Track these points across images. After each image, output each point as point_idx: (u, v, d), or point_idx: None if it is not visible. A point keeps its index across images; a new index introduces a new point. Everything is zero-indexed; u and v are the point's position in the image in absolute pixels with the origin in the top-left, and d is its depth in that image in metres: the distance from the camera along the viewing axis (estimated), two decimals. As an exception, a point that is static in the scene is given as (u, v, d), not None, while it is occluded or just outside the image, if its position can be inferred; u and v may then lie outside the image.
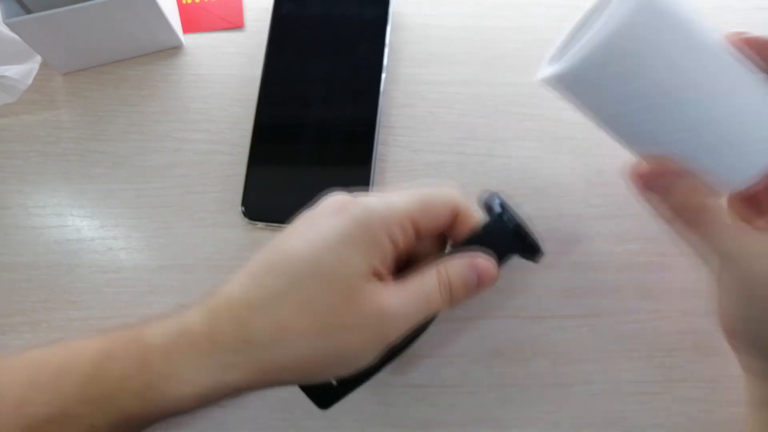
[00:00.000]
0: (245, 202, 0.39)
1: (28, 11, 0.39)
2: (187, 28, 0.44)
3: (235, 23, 0.44)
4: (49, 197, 0.40)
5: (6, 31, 0.40)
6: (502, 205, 0.29)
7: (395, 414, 0.35)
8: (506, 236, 0.28)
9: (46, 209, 0.40)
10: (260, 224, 0.39)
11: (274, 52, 0.42)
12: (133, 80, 0.43)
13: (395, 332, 0.25)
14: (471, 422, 0.35)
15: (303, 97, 0.41)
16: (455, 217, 0.28)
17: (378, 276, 0.26)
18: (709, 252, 0.27)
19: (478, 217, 0.30)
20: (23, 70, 0.42)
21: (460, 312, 0.37)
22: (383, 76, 0.41)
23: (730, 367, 0.32)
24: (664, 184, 0.27)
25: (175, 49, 0.44)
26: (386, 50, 0.42)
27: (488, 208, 0.30)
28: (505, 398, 0.35)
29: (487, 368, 0.36)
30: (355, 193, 0.27)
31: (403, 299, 0.25)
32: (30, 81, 0.42)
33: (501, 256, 0.29)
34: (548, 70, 0.28)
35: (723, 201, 0.30)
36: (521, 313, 0.37)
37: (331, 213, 0.26)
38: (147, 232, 0.39)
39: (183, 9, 0.45)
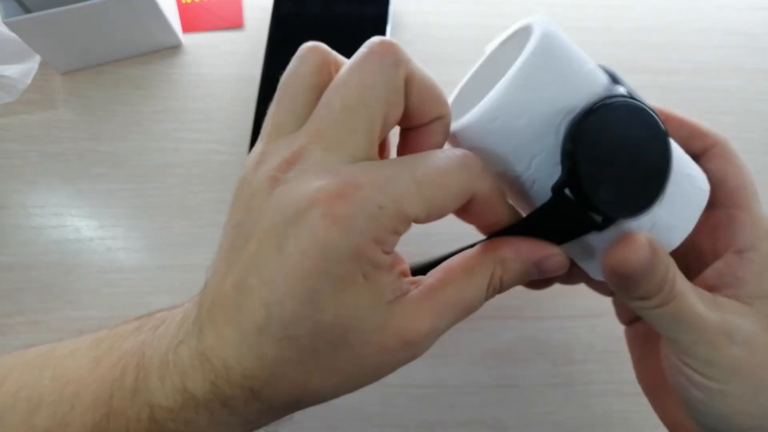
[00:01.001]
0: (245, 201, 0.39)
1: (27, 11, 0.39)
2: (187, 27, 0.44)
3: (235, 23, 0.44)
4: (48, 197, 0.40)
5: (5, 30, 0.40)
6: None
7: (395, 414, 0.35)
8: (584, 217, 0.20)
9: (44, 209, 0.40)
10: (260, 224, 0.39)
11: (274, 52, 0.42)
12: (132, 80, 0.43)
13: (421, 352, 0.22)
14: (471, 423, 0.35)
15: (303, 96, 0.41)
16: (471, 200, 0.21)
17: (393, 282, 0.20)
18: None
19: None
20: (22, 70, 0.41)
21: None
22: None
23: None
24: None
25: (175, 48, 0.44)
26: (386, 50, 0.41)
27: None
28: (505, 399, 0.35)
29: (487, 368, 0.36)
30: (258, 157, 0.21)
31: (432, 321, 0.21)
32: (29, 80, 0.42)
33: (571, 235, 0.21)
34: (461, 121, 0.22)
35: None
36: (522, 314, 0.37)
37: (287, 222, 0.18)
38: (146, 232, 0.39)
39: (182, 8, 0.45)
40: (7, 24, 0.38)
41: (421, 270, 0.23)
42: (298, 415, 0.35)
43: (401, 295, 0.20)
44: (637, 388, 0.35)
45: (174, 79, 0.43)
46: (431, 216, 0.20)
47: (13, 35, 0.39)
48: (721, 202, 0.23)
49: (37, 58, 0.42)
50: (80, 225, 0.40)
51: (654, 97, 0.42)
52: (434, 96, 0.21)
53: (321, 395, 0.20)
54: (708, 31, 0.45)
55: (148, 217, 0.39)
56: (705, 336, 0.20)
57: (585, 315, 0.36)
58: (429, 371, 0.36)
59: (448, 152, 0.21)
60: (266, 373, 0.19)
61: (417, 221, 0.20)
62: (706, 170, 0.24)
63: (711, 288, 0.22)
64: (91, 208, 0.40)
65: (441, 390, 0.35)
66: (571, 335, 0.36)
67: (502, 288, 0.22)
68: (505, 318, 0.36)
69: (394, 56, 0.20)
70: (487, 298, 0.22)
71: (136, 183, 0.40)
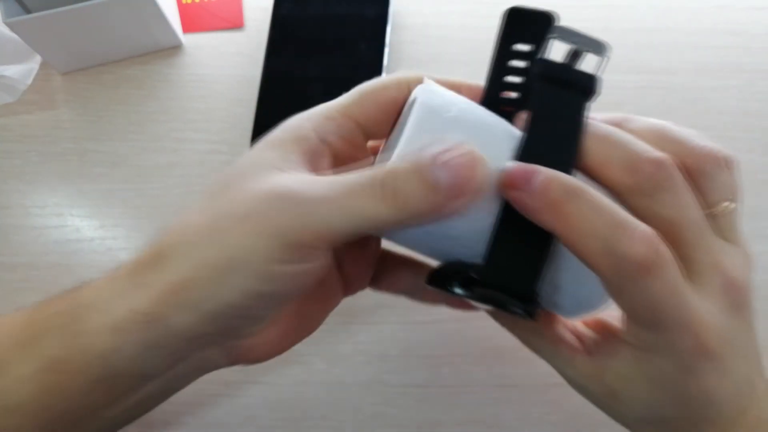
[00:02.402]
0: (245, 202, 0.39)
1: (28, 11, 0.39)
2: (187, 27, 0.44)
3: (235, 23, 0.44)
4: (49, 197, 0.40)
5: (6, 30, 0.40)
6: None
7: (395, 414, 0.35)
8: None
9: (45, 209, 0.40)
10: (260, 224, 0.39)
11: (274, 52, 0.42)
12: (132, 80, 0.43)
13: (293, 223, 0.19)
14: (471, 422, 0.35)
15: (303, 96, 0.41)
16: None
17: (296, 164, 0.21)
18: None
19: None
20: (23, 70, 0.42)
21: (460, 312, 0.37)
22: (383, 75, 0.41)
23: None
24: None
25: (175, 48, 0.44)
26: (386, 50, 0.42)
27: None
28: (505, 398, 0.35)
29: (487, 368, 0.36)
30: None
31: (310, 185, 0.19)
32: (30, 81, 0.42)
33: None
34: None
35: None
36: (521, 313, 0.37)
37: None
38: (146, 233, 0.39)
39: (183, 9, 0.45)
40: (8, 24, 0.38)
41: None
42: (299, 416, 0.35)
43: (293, 171, 0.21)
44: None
45: (174, 80, 0.43)
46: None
47: (13, 35, 0.39)
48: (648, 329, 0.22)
49: (38, 59, 0.42)
50: (81, 225, 0.40)
51: (654, 97, 0.42)
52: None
53: (186, 239, 0.20)
54: (708, 32, 0.45)
55: (149, 217, 0.40)
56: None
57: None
58: (429, 371, 0.36)
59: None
60: (177, 219, 0.21)
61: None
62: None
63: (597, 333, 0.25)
64: (91, 208, 0.40)
65: (441, 390, 0.35)
66: (571, 335, 0.36)
67: (397, 176, 0.19)
68: (505, 318, 0.37)
69: None
70: (376, 188, 0.19)
71: (136, 183, 0.40)
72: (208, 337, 0.21)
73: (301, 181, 0.20)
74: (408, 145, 0.20)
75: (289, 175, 0.20)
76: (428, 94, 0.22)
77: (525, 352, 0.36)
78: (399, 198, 0.19)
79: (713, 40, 0.44)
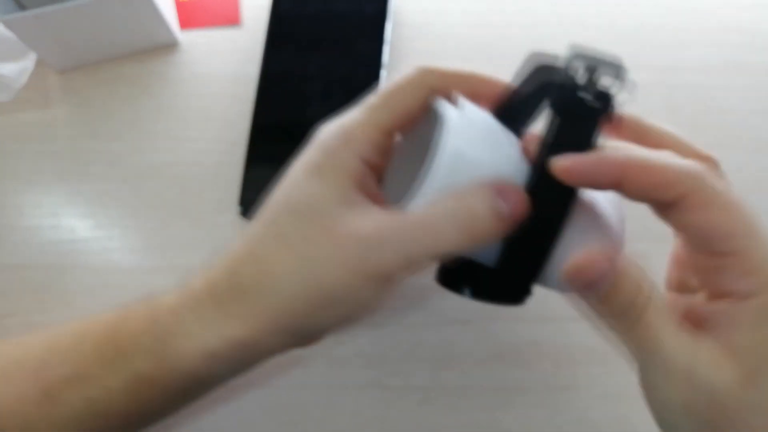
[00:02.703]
0: (242, 201, 0.39)
1: (23, 8, 0.39)
2: (184, 24, 0.44)
3: (232, 20, 0.44)
4: (44, 197, 0.40)
5: (0, 28, 0.39)
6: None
7: (396, 417, 0.35)
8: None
9: (40, 209, 0.40)
10: (258, 224, 0.39)
11: (272, 50, 0.42)
12: (128, 78, 0.43)
13: (383, 261, 0.22)
14: (473, 425, 0.35)
15: (301, 95, 0.41)
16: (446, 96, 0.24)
17: (359, 201, 0.23)
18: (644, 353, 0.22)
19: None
20: (18, 68, 0.41)
21: (461, 314, 0.36)
22: (383, 73, 0.41)
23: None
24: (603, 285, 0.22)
25: (172, 46, 0.43)
26: (386, 47, 0.41)
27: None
28: (507, 401, 0.35)
29: (489, 371, 0.35)
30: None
31: (389, 223, 0.22)
32: (25, 79, 0.41)
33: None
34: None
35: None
36: (524, 316, 0.36)
37: (306, 148, 0.24)
38: (143, 232, 0.39)
39: (179, 6, 0.44)
40: (3, 21, 0.37)
41: None
42: (297, 419, 0.35)
43: (363, 206, 0.23)
44: (639, 392, 0.35)
45: (171, 78, 0.42)
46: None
47: (8, 33, 0.39)
48: (715, 250, 0.21)
49: (33, 57, 0.42)
50: (76, 225, 0.39)
51: (658, 95, 0.42)
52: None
53: (280, 279, 0.22)
54: (712, 29, 0.45)
55: (145, 217, 0.39)
56: (666, 372, 0.21)
57: (587, 318, 0.36)
58: (430, 373, 0.35)
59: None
60: (243, 248, 0.23)
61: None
62: (685, 222, 0.21)
63: (700, 325, 0.21)
64: (87, 208, 0.40)
65: (442, 392, 0.35)
66: (573, 338, 0.36)
67: (477, 216, 0.22)
68: (507, 320, 0.36)
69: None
70: (452, 221, 0.22)
71: (132, 182, 0.40)
72: (291, 349, 0.24)
73: (378, 221, 0.22)
74: (438, 183, 0.22)
75: (362, 216, 0.23)
76: (453, 132, 0.22)
77: (527, 354, 0.36)
78: (474, 228, 0.22)
79: (718, 38, 0.44)
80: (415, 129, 0.25)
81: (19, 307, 0.37)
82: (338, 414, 0.35)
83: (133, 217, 0.39)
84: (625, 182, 0.21)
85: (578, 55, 0.22)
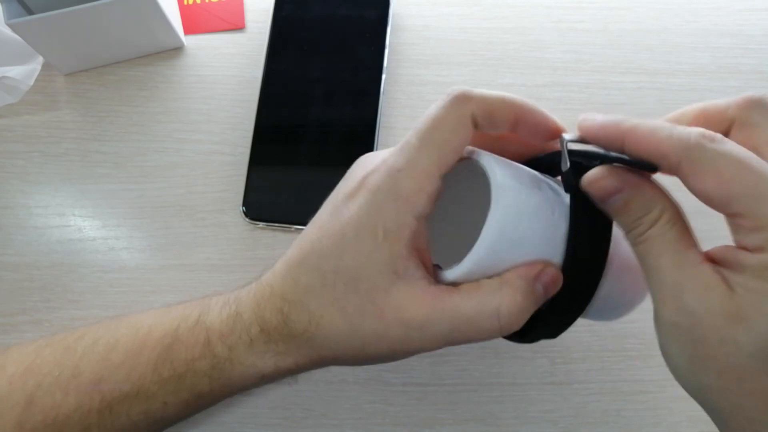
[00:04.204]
0: (246, 202, 0.39)
1: (30, 12, 0.39)
2: (189, 29, 0.45)
3: (236, 24, 0.45)
4: (51, 197, 0.41)
5: (8, 31, 0.40)
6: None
7: (395, 412, 0.35)
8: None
9: (47, 209, 0.40)
10: (261, 224, 0.39)
11: (275, 54, 0.42)
12: (134, 81, 0.43)
13: (425, 342, 0.24)
14: (470, 420, 0.35)
15: (304, 98, 0.41)
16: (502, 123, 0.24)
17: (410, 268, 0.23)
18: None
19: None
20: (25, 71, 0.42)
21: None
22: (383, 77, 0.41)
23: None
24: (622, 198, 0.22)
25: (177, 50, 0.44)
26: (386, 51, 0.42)
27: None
28: (504, 397, 0.35)
29: (486, 367, 0.36)
30: (380, 153, 0.26)
31: (434, 306, 0.23)
32: (32, 82, 0.42)
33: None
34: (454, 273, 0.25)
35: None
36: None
37: (351, 192, 0.24)
38: (148, 232, 0.40)
39: (184, 10, 0.45)
40: (10, 25, 0.38)
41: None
42: (298, 414, 0.35)
43: (411, 277, 0.23)
44: (635, 387, 0.35)
45: (176, 81, 0.43)
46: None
47: (15, 36, 0.39)
48: (720, 212, 0.21)
49: (40, 60, 0.43)
50: (83, 225, 0.40)
51: (652, 99, 0.43)
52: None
53: (330, 337, 0.24)
54: (705, 33, 0.45)
55: (151, 217, 0.40)
56: (659, 288, 0.21)
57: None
58: (428, 370, 0.36)
59: None
60: (295, 296, 0.24)
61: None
62: (689, 188, 0.21)
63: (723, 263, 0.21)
64: (93, 208, 0.40)
65: (440, 388, 0.36)
66: (570, 334, 0.36)
67: (516, 310, 0.23)
68: (504, 317, 0.37)
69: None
70: (502, 323, 0.23)
71: (138, 183, 0.41)
72: None
73: (424, 304, 0.23)
74: (482, 258, 0.23)
75: (409, 293, 0.23)
76: (502, 208, 0.23)
77: (524, 350, 0.37)
78: (512, 317, 0.23)
79: (711, 41, 0.45)
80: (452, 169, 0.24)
81: (27, 306, 0.38)
82: (338, 408, 0.35)
83: (139, 217, 0.40)
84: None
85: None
